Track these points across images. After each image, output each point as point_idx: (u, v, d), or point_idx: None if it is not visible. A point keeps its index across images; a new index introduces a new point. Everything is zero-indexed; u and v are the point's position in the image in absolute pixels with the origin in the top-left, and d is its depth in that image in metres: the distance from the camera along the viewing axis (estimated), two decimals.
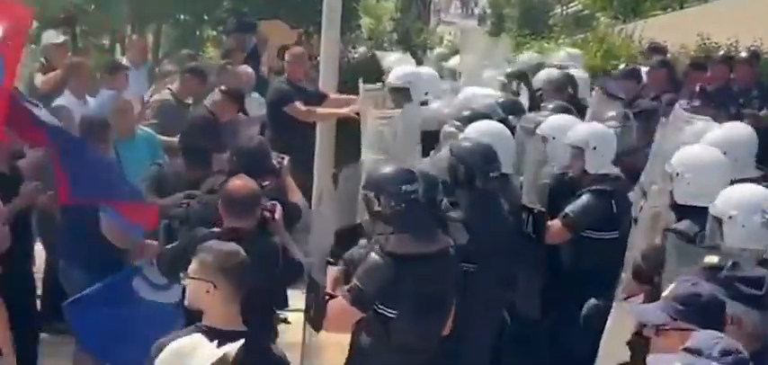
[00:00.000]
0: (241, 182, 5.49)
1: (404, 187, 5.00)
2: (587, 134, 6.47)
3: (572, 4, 20.31)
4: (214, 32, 16.71)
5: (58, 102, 8.52)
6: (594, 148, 6.36)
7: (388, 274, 4.90)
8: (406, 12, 17.38)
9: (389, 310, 4.95)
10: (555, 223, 6.30)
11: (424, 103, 8.02)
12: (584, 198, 6.29)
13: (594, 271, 6.03)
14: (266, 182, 6.12)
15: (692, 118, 6.62)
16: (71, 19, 14.23)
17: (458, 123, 6.79)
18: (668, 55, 11.70)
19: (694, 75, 10.35)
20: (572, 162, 6.41)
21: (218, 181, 6.04)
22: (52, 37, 10.38)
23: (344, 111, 9.12)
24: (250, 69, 10.27)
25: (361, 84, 8.69)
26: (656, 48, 11.78)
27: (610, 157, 6.48)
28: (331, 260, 5.16)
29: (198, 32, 16.55)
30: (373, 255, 4.94)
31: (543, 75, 8.87)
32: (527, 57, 10.36)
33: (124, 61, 10.71)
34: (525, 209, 6.21)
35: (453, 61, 10.01)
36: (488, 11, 32.70)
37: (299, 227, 6.20)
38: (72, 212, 6.54)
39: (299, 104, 9.23)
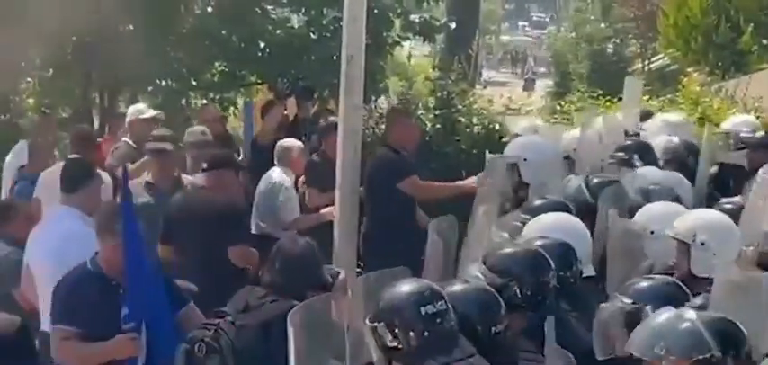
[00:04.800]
0: None
1: (423, 309, 4.19)
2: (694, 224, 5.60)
3: (655, 59, 17.40)
4: (204, 101, 13.68)
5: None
6: (702, 244, 5.48)
7: None
8: (446, 71, 14.34)
9: None
10: None
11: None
12: None
13: None
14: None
15: None
16: None
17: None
18: None
19: None
20: (678, 259, 5.56)
21: (255, 294, 5.57)
22: (142, 111, 9.58)
23: (466, 183, 8.51)
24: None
25: (487, 155, 8.15)
26: None
27: (728, 256, 5.44)
28: None
29: (184, 101, 13.54)
30: None
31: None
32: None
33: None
34: None
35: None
36: (537, 70, 30.44)
37: None
38: None
39: (417, 179, 8.48)
